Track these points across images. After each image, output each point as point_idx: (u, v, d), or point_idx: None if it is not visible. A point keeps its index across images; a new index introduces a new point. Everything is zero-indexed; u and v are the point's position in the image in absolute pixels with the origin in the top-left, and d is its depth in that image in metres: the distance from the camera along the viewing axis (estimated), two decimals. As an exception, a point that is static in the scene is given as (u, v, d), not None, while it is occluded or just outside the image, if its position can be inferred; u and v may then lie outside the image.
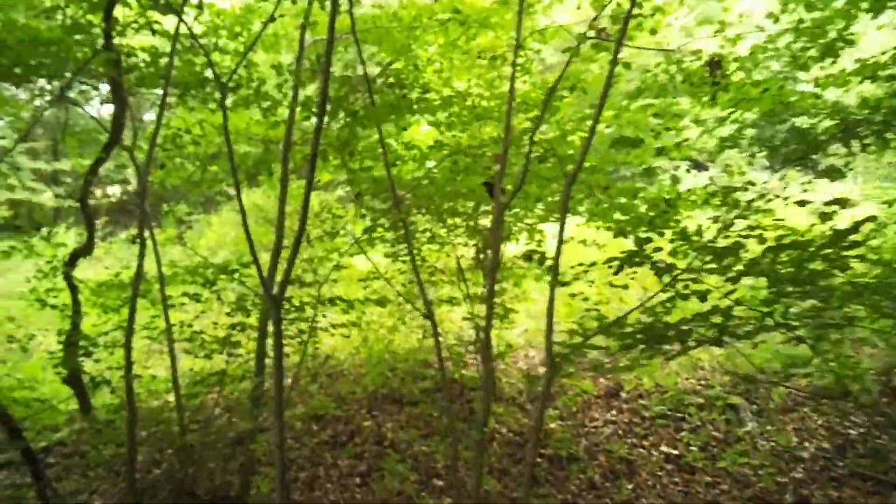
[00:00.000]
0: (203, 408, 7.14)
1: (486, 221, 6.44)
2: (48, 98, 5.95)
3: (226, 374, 5.87)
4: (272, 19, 4.30)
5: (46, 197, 20.44)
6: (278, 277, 4.38)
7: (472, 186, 5.12)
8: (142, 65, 5.38)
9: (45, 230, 13.01)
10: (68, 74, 5.71)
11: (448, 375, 4.71)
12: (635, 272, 3.69)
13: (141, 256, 4.76)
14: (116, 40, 5.41)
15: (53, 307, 6.62)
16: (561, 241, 3.70)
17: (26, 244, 6.67)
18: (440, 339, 4.25)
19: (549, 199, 5.38)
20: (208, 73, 5.52)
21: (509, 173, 5.36)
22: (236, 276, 5.93)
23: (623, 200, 4.97)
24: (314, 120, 4.94)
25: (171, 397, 6.64)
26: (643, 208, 4.49)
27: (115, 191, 23.68)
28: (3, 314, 9.76)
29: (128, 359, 4.76)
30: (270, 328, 6.00)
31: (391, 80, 4.31)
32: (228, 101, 5.91)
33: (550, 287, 3.76)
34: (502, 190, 4.07)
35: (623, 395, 7.06)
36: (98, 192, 24.94)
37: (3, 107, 6.04)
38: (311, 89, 6.28)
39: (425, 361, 7.97)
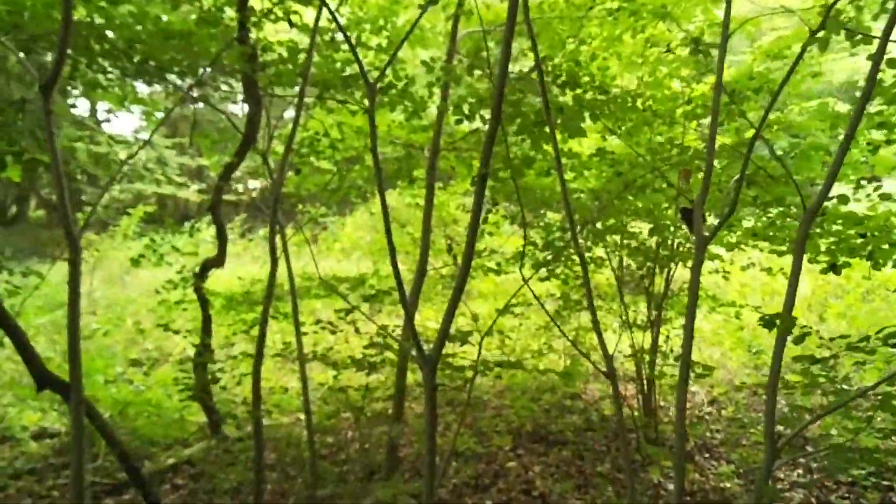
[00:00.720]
0: (336, 429, 6.65)
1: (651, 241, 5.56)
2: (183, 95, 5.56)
3: (365, 391, 5.32)
4: (427, 6, 3.58)
5: (191, 192, 21.09)
6: (427, 317, 3.69)
7: (647, 205, 4.24)
8: (278, 60, 4.86)
9: (187, 225, 13.17)
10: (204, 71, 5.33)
11: (623, 424, 3.84)
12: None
13: (272, 276, 4.22)
14: (252, 34, 4.93)
15: (184, 309, 6.32)
16: (794, 292, 2.78)
17: (165, 242, 6.40)
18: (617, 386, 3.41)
19: (757, 224, 4.39)
20: (350, 70, 4.95)
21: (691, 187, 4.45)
22: (370, 291, 5.34)
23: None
24: (466, 124, 4.23)
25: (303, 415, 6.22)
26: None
27: (256, 185, 24.24)
28: (137, 317, 9.77)
29: (256, 391, 4.25)
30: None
31: (562, 77, 3.51)
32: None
33: (776, 347, 2.84)
34: (702, 217, 3.17)
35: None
36: (240, 188, 25.68)
37: (138, 104, 5.72)
38: (455, 91, 5.61)
39: (574, 394, 7.11)
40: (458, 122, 4.19)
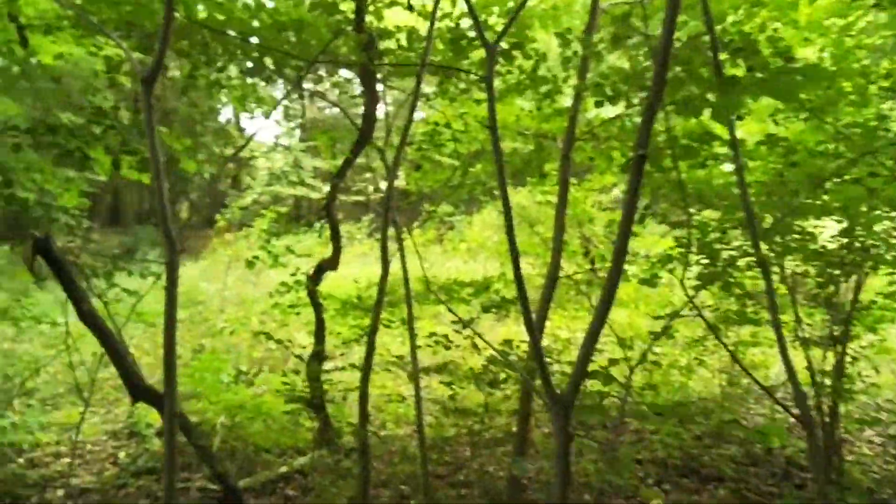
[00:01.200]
0: (454, 447, 6.21)
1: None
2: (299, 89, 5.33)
3: (485, 409, 4.86)
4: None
5: (324, 193, 21.47)
6: (557, 325, 3.15)
7: (841, 200, 3.48)
8: (396, 48, 4.49)
9: (317, 224, 13.23)
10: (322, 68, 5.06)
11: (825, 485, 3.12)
12: None
13: (382, 284, 3.83)
14: (369, 20, 4.59)
15: (297, 313, 6.10)
16: None
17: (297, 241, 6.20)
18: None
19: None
20: (474, 57, 4.50)
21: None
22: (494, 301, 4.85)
23: None
24: (606, 109, 3.66)
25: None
26: None
27: (384, 184, 24.38)
28: (263, 317, 9.77)
29: (363, 409, 3.87)
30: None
31: (737, 44, 2.85)
32: (497, 82, 4.84)
33: None
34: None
35: None
36: (370, 188, 26.02)
37: (259, 103, 5.55)
38: (596, 68, 4.99)
39: (731, 419, 6.23)
40: (598, 104, 3.64)
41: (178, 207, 26.77)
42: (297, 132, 24.03)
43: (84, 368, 5.82)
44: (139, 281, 5.00)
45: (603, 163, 4.95)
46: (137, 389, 3.41)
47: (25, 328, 7.57)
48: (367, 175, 25.00)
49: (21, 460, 6.24)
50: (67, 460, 6.32)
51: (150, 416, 6.69)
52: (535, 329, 2.40)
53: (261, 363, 8.44)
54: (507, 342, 4.30)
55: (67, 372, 7.31)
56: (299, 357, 5.64)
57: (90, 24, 4.23)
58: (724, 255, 4.06)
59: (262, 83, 4.96)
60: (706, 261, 3.98)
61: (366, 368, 3.90)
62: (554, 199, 5.40)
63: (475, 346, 4.06)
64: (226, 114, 25.11)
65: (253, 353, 8.50)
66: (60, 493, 5.65)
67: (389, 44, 4.44)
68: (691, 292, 3.23)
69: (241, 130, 21.85)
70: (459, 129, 4.83)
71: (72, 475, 5.99)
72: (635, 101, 3.47)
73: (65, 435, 6.81)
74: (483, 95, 4.86)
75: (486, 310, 4.32)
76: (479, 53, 4.43)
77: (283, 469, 5.85)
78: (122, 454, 6.42)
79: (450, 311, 3.69)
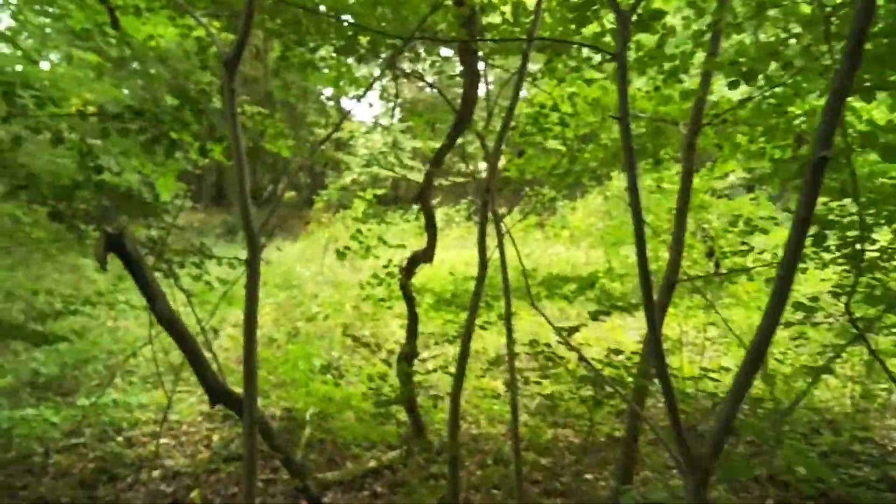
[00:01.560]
0: (553, 450, 5.84)
1: None
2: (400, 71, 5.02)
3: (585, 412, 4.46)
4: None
5: (422, 175, 21.26)
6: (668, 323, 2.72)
7: None
8: (500, 23, 4.11)
9: (415, 207, 13.02)
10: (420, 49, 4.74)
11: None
12: None
13: (480, 283, 3.49)
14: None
15: (389, 307, 5.84)
16: None
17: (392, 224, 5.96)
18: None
19: None
20: (586, 32, 4.05)
21: None
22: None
23: None
24: (739, 91, 3.17)
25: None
26: None
27: (483, 166, 24.01)
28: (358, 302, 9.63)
29: (454, 419, 3.56)
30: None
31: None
32: (608, 66, 4.39)
33: None
34: None
35: None
36: (467, 171, 25.63)
37: (354, 84, 5.30)
38: (729, 44, 4.44)
39: (866, 438, 5.52)
40: (733, 85, 3.14)
41: (280, 188, 27.33)
42: (396, 113, 23.94)
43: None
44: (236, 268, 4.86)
45: (728, 149, 4.41)
46: (216, 393, 3.22)
47: (123, 311, 7.69)
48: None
49: (120, 438, 6.32)
50: (164, 441, 6.37)
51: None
52: (667, 379, 1.95)
53: (353, 350, 8.30)
54: (616, 351, 3.88)
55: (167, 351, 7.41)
56: (385, 360, 5.40)
57: (177, 4, 4.07)
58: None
59: (357, 63, 4.68)
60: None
61: (458, 375, 3.58)
62: (666, 186, 4.92)
63: (581, 359, 3.66)
64: (328, 95, 25.33)
65: (346, 339, 8.37)
66: (155, 473, 5.66)
67: (492, 18, 4.06)
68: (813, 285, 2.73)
69: (342, 112, 21.91)
70: (568, 111, 4.41)
71: (167, 456, 6.03)
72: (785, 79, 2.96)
73: (162, 414, 6.88)
74: (596, 75, 4.42)
75: (594, 317, 3.90)
76: (592, 28, 4.00)
77: (372, 464, 5.65)
78: (215, 437, 6.41)
79: (549, 323, 3.30)
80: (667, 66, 3.34)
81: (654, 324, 1.95)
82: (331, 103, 24.72)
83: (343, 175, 20.91)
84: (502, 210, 3.88)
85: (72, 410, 6.62)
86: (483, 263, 3.46)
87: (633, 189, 2.00)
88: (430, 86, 4.58)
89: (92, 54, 5.88)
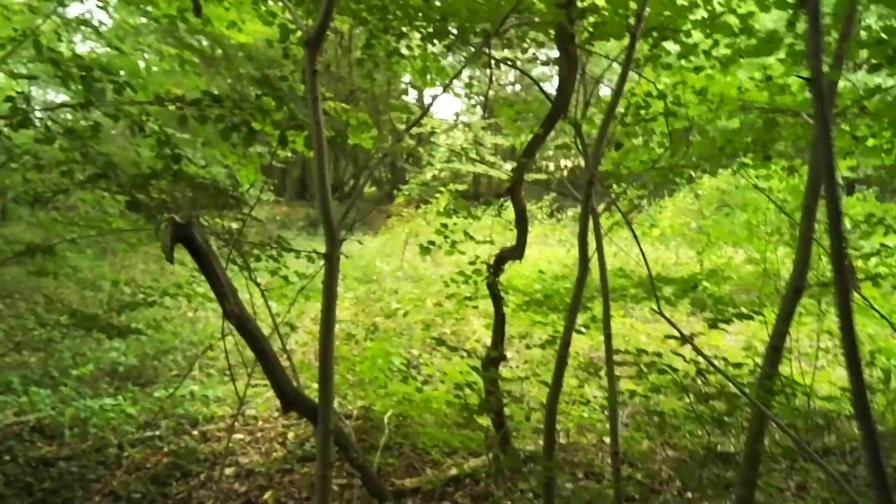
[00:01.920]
0: (652, 462, 5.42)
1: None
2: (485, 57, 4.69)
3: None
4: None
5: (503, 171, 20.92)
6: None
7: None
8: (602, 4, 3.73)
9: (500, 202, 12.66)
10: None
11: None
12: None
13: (579, 286, 3.14)
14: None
15: (475, 307, 5.52)
16: None
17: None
18: None
19: None
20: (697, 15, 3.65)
21: None
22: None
23: None
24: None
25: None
26: None
27: (567, 163, 23.41)
28: (440, 297, 9.36)
29: (549, 437, 3.23)
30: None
31: None
32: (717, 51, 3.96)
33: None
34: None
35: None
36: (551, 166, 25.10)
37: (440, 75, 5.02)
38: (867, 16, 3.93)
39: None
40: (874, 69, 2.70)
41: (361, 182, 27.47)
42: (478, 109, 23.65)
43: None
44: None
45: (847, 143, 3.90)
46: (288, 399, 2.98)
47: (202, 302, 7.66)
48: (549, 152, 24.17)
49: (195, 432, 6.24)
50: (238, 436, 6.27)
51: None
52: (868, 411, 1.56)
53: (433, 347, 8.05)
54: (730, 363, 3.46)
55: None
56: (470, 364, 5.08)
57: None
58: None
59: (445, 51, 4.40)
60: None
61: (555, 385, 3.24)
62: (765, 184, 4.43)
63: (701, 372, 3.25)
64: (409, 88, 25.27)
65: (426, 336, 8.12)
66: (228, 471, 5.54)
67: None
68: None
69: (424, 105, 21.79)
70: (672, 101, 4.00)
71: (241, 453, 5.91)
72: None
73: (237, 409, 6.79)
74: (706, 63, 3.99)
75: (713, 325, 3.51)
76: (702, 12, 3.58)
77: (454, 471, 5.37)
78: (290, 435, 6.26)
79: (671, 324, 2.92)
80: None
81: (851, 338, 1.56)
82: (412, 98, 24.66)
83: (424, 170, 20.79)
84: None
85: (148, 402, 6.61)
86: (584, 264, 3.11)
87: (830, 184, 1.58)
88: (523, 72, 4.24)
89: (178, 49, 5.85)
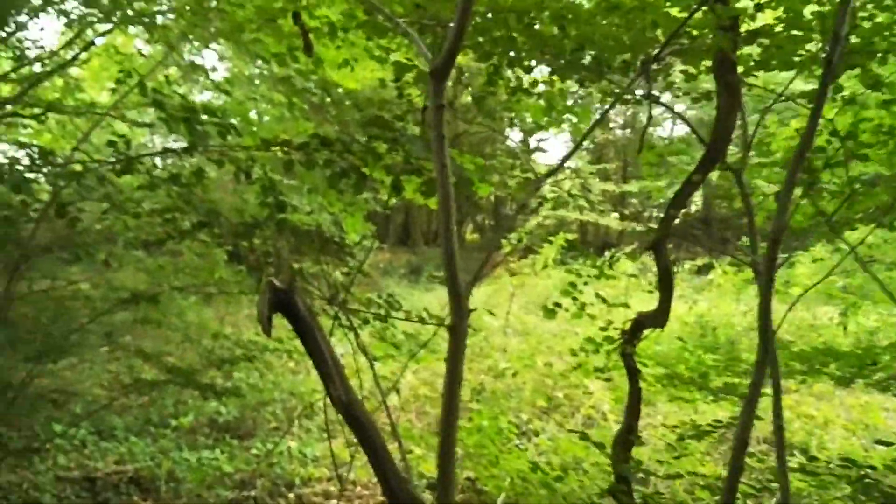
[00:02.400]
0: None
1: None
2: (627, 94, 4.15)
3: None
4: None
5: (612, 219, 20.22)
6: None
7: None
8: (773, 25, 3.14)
9: (608, 254, 11.98)
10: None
11: None
12: None
13: (763, 362, 2.49)
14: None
15: (607, 379, 4.88)
16: None
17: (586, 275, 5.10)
18: None
19: None
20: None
21: None
22: None
23: None
24: None
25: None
26: None
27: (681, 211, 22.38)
28: (550, 355, 8.72)
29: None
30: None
31: None
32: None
33: None
34: None
35: None
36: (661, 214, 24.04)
37: (568, 112, 4.51)
38: None
39: None
40: None
41: (464, 229, 27.22)
42: (586, 154, 23.09)
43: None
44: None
45: None
46: (397, 498, 2.44)
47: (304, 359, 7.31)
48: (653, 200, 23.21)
49: (291, 496, 5.85)
50: (335, 503, 5.84)
51: (424, 466, 5.96)
52: None
53: (543, 412, 7.40)
54: None
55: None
56: (588, 437, 4.44)
57: (382, 16, 3.50)
58: None
59: (578, 85, 3.89)
60: None
61: (730, 489, 2.58)
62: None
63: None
64: (513, 133, 25.01)
65: (537, 398, 7.48)
66: (325, 544, 5.09)
67: (763, 18, 3.11)
68: None
69: (530, 152, 21.44)
70: (890, 124, 3.33)
71: (338, 523, 5.46)
72: None
73: (336, 471, 6.36)
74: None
75: None
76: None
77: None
78: (393, 506, 5.75)
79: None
80: None
81: None
82: (515, 142, 24.33)
83: (530, 218, 20.29)
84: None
85: (245, 458, 6.29)
86: (766, 338, 2.47)
87: None
88: (676, 114, 3.66)
89: (288, 95, 5.63)
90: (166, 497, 5.64)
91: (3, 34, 6.89)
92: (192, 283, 5.63)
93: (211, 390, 4.28)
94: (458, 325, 2.16)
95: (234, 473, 5.99)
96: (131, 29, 7.63)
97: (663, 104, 3.73)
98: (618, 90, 3.91)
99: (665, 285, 3.75)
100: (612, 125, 22.39)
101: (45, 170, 3.66)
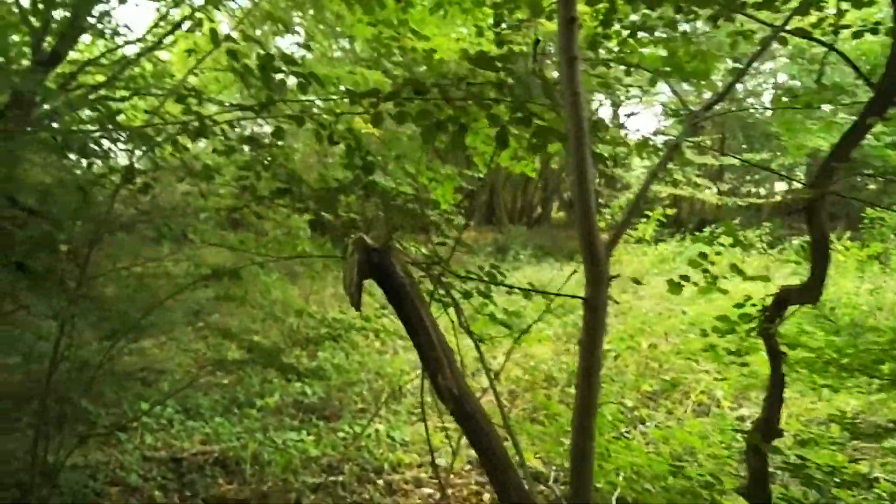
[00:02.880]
0: None
1: None
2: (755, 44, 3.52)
3: None
4: None
5: (709, 194, 19.13)
6: None
7: None
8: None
9: (706, 230, 11.16)
10: None
11: None
12: None
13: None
14: None
15: (743, 364, 4.28)
16: None
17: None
18: None
19: None
20: None
21: None
22: None
23: None
24: None
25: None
26: None
27: (781, 186, 21.04)
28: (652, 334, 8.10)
29: None
30: None
31: None
32: None
33: None
34: None
35: None
36: (761, 190, 22.69)
37: (693, 59, 3.90)
38: None
39: None
40: None
41: (549, 206, 26.48)
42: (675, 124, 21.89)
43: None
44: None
45: None
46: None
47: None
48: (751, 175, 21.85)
49: (380, 482, 5.54)
50: (426, 491, 5.49)
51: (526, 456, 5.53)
52: None
53: (649, 398, 6.83)
54: None
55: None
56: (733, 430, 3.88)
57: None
58: None
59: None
60: None
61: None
62: None
63: None
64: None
65: (642, 383, 6.91)
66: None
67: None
68: None
69: (621, 126, 20.49)
70: None
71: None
72: None
73: (428, 457, 6.00)
74: None
75: None
76: None
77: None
78: (486, 496, 5.36)
79: None
80: None
81: None
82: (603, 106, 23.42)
83: (620, 194, 19.46)
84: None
85: (331, 441, 6.02)
86: None
87: None
88: (828, 47, 3.02)
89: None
90: (251, 481, 5.44)
91: (93, 20, 6.86)
92: (275, 256, 5.32)
93: (294, 371, 3.95)
94: (598, 297, 1.70)
95: (320, 457, 5.73)
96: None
97: (820, 41, 3.09)
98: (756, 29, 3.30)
99: (820, 254, 3.14)
100: (708, 94, 21.07)
101: (114, 133, 3.36)
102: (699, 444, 5.10)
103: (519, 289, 2.80)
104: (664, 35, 3.85)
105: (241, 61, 3.14)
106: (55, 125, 4.53)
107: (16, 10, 6.17)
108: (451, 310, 2.70)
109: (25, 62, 6.73)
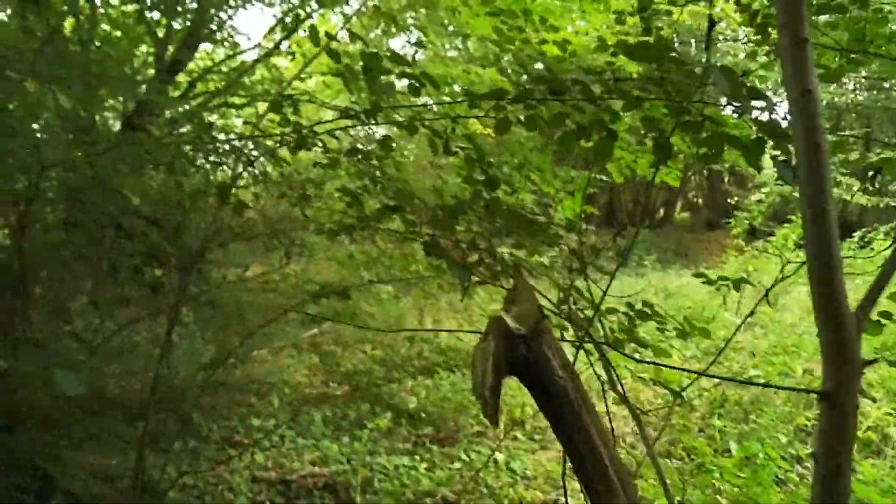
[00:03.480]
0: None
1: None
2: None
3: None
4: None
5: (859, 194, 17.29)
6: None
7: None
8: None
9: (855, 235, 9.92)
10: None
11: None
12: None
13: None
14: None
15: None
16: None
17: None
18: None
19: None
20: None
21: None
22: None
23: None
24: None
25: None
26: None
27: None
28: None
29: None
30: None
31: None
32: None
33: None
34: None
35: None
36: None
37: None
38: None
39: None
40: None
41: (673, 207, 25.10)
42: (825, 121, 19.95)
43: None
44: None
45: None
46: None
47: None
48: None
49: (504, 518, 5.03)
50: (552, 532, 4.94)
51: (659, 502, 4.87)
52: None
53: (810, 434, 5.95)
54: None
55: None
56: None
57: None
58: None
59: None
60: None
61: None
62: None
63: None
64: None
65: (797, 416, 6.02)
66: None
67: None
68: None
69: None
70: None
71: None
72: None
73: (554, 494, 5.42)
74: None
75: None
76: None
77: None
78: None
79: None
80: None
81: None
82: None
83: (750, 193, 17.97)
84: None
85: (445, 473, 5.55)
86: None
87: None
88: None
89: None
90: (361, 511, 5.08)
91: (213, 28, 6.84)
92: (385, 276, 4.93)
93: (391, 409, 3.52)
94: (842, 391, 1.11)
95: (434, 490, 5.28)
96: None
97: None
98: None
99: None
100: (853, 86, 19.11)
101: (209, 145, 3.01)
102: (877, 499, 4.26)
103: (723, 378, 2.20)
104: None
105: (343, 62, 2.70)
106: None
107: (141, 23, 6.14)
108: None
109: (150, 71, 6.74)
